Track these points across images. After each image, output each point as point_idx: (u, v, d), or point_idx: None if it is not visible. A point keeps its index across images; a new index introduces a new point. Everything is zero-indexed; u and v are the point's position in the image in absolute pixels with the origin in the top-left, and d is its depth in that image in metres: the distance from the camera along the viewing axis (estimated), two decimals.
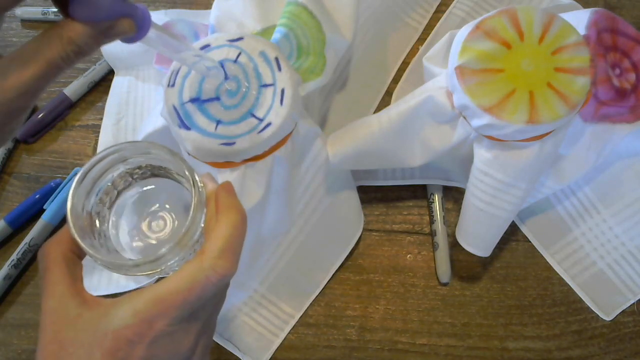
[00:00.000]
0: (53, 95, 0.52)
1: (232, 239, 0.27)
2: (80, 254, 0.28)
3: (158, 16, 0.49)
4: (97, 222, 0.29)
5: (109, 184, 0.30)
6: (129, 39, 0.27)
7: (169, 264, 0.27)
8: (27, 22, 0.55)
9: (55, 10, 0.54)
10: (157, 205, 0.31)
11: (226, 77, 0.37)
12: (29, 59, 0.24)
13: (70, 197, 0.27)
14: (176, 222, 0.31)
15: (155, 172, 0.31)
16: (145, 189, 0.31)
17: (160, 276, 0.28)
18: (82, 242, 0.26)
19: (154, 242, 0.30)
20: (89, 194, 0.29)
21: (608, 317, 0.46)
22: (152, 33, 0.28)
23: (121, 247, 0.30)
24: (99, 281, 0.46)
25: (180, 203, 0.31)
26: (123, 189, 0.31)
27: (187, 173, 0.28)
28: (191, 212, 0.27)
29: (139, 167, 0.30)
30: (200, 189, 0.28)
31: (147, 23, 0.27)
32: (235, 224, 0.27)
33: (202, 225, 0.28)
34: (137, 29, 0.27)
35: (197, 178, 0.28)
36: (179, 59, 0.32)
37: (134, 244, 0.30)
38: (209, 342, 0.30)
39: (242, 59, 0.37)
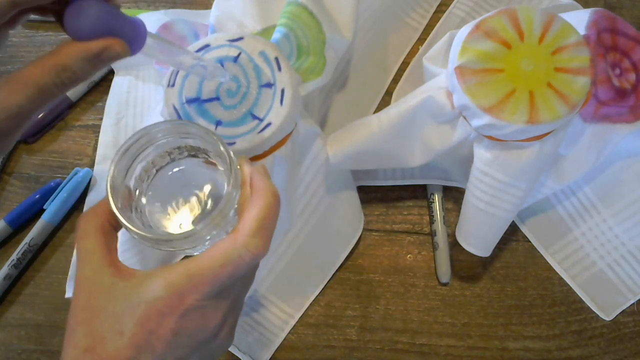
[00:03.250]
0: None
1: (266, 220, 0.27)
2: (116, 226, 0.29)
3: (158, 16, 0.49)
4: (135, 198, 0.30)
5: (149, 161, 0.30)
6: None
7: (200, 242, 0.28)
8: (27, 22, 0.55)
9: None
10: (193, 184, 0.31)
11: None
12: (22, 84, 0.25)
13: (112, 170, 0.28)
14: (209, 203, 0.31)
15: (193, 152, 0.31)
16: (181, 168, 0.32)
17: (188, 254, 0.29)
18: (120, 214, 0.27)
19: (187, 220, 0.31)
20: (129, 169, 0.29)
21: (608, 317, 0.46)
22: (148, 43, 0.28)
23: (155, 224, 0.31)
24: None
25: (215, 184, 0.31)
26: (161, 167, 0.31)
27: (224, 153, 0.28)
28: (227, 192, 0.27)
29: (178, 147, 0.31)
30: (236, 170, 0.28)
31: (142, 38, 0.27)
32: (269, 205, 0.27)
33: (236, 205, 0.28)
34: (130, 48, 0.26)
35: (234, 158, 0.28)
36: (177, 64, 0.32)
37: (167, 221, 0.31)
38: (235, 321, 0.31)
39: (242, 59, 0.37)
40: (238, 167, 0.29)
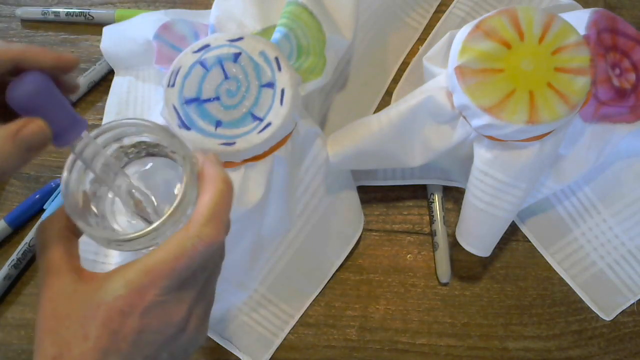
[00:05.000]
0: None
1: (218, 207, 0.27)
2: (76, 231, 0.29)
3: (158, 16, 0.49)
4: (95, 201, 0.30)
5: (104, 164, 0.29)
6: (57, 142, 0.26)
7: (162, 239, 0.27)
8: (27, 22, 0.55)
9: (55, 10, 0.54)
10: (152, 182, 0.31)
11: (226, 77, 0.37)
12: None
13: (65, 175, 0.27)
14: (169, 199, 0.31)
15: (150, 150, 0.31)
16: (143, 169, 0.31)
17: None
18: (76, 219, 0.27)
19: (152, 219, 0.30)
20: (85, 172, 0.29)
21: (608, 317, 0.46)
22: (86, 143, 0.27)
23: (119, 225, 0.30)
24: None
25: (174, 180, 0.31)
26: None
27: (178, 147, 0.28)
28: (183, 186, 0.27)
29: (134, 146, 0.30)
30: (191, 164, 0.28)
31: (76, 131, 0.26)
32: (221, 192, 0.27)
33: (195, 199, 0.28)
34: (58, 135, 0.26)
35: (189, 152, 0.28)
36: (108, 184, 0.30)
37: (133, 222, 0.30)
38: (205, 312, 0.30)
39: (242, 58, 0.37)
40: (194, 160, 0.28)
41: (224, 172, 0.28)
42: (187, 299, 0.27)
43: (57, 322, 0.26)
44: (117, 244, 0.27)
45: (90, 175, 0.29)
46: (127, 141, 0.30)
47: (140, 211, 0.30)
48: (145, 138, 0.30)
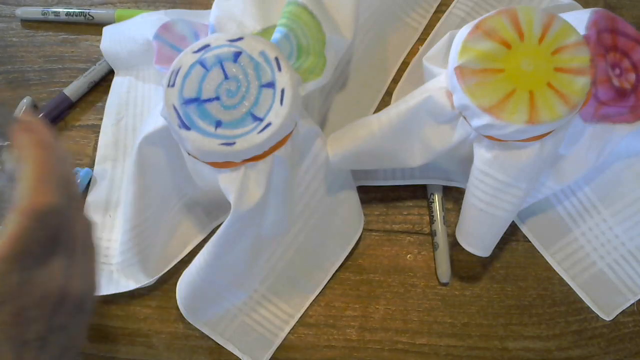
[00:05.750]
0: (53, 95, 0.52)
1: (40, 173, 0.26)
2: None
3: (158, 16, 0.49)
4: None
5: None
6: None
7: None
8: (27, 22, 0.55)
9: (55, 10, 0.54)
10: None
11: (226, 77, 0.37)
12: None
13: None
14: None
15: None
16: None
17: None
18: None
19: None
20: None
21: (608, 317, 0.46)
22: None
23: None
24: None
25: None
26: None
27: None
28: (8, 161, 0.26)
29: None
30: (10, 140, 0.27)
31: None
32: (38, 158, 0.26)
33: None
34: None
35: (12, 118, 0.26)
36: None
37: None
38: (88, 265, 0.30)
39: (242, 59, 0.37)
40: (13, 137, 0.27)
41: (40, 137, 0.27)
42: (56, 266, 0.27)
43: None
44: None
45: None
46: None
47: None
48: None
